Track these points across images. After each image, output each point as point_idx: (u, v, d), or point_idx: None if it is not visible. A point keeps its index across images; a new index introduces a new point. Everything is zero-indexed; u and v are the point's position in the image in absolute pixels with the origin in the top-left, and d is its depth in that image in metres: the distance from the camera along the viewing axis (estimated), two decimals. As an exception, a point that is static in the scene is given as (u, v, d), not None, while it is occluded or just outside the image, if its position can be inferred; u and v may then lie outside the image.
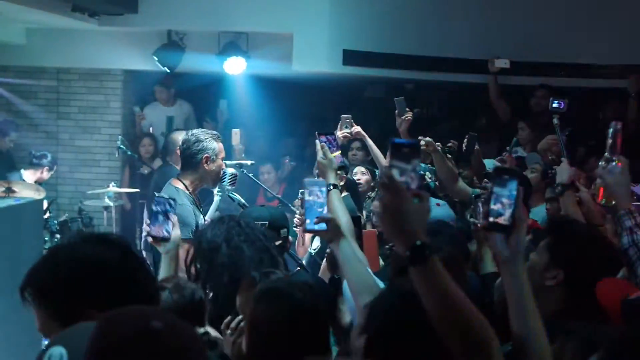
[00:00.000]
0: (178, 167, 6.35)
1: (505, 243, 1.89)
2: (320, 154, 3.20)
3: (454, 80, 8.50)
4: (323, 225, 2.68)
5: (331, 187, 3.09)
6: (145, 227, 4.52)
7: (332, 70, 8.24)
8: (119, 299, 1.71)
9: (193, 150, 4.41)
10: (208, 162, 4.41)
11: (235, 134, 7.19)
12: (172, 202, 3.19)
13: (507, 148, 6.45)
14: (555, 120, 4.88)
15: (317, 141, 3.22)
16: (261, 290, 2.35)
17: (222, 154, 4.52)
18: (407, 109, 5.58)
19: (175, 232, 3.18)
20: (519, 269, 1.90)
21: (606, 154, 2.89)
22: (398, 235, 1.74)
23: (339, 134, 5.25)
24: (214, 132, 4.67)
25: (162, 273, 3.15)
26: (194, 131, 4.57)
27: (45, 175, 7.56)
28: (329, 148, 3.19)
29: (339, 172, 3.26)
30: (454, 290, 1.73)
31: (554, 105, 4.86)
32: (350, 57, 8.11)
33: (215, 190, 4.81)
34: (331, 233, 2.70)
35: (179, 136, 6.53)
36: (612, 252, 2.65)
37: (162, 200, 3.19)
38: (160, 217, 3.16)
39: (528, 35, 8.01)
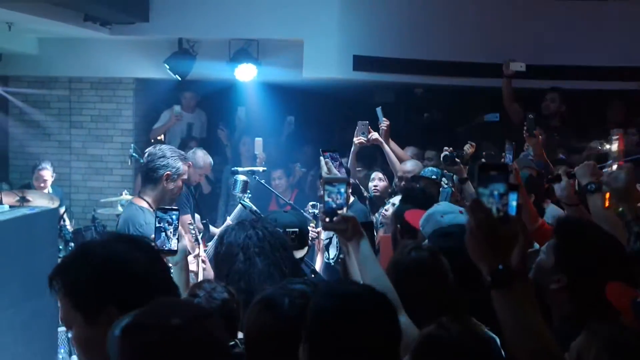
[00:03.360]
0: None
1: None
2: (324, 170, 3.26)
3: (463, 85, 8.51)
4: (342, 224, 2.64)
5: None
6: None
7: (342, 76, 8.26)
8: (142, 300, 1.74)
9: (156, 164, 4.31)
10: (168, 180, 4.30)
11: (258, 143, 7.24)
12: (175, 214, 3.17)
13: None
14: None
15: (322, 158, 3.28)
16: (255, 300, 2.32)
17: (185, 176, 4.41)
18: (384, 118, 5.65)
19: (182, 244, 3.16)
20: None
21: (609, 160, 2.89)
22: (482, 260, 1.74)
23: (356, 140, 5.30)
24: (182, 152, 4.59)
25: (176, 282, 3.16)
26: (162, 146, 4.49)
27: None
28: (333, 164, 3.25)
29: None
30: (534, 317, 1.72)
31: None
32: (360, 62, 8.12)
33: (239, 198, 4.82)
34: (351, 232, 2.66)
35: (202, 158, 6.53)
36: (621, 259, 2.55)
37: (163, 214, 3.17)
38: (164, 231, 3.14)
39: (539, 38, 8.02)
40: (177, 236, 3.09)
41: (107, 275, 1.91)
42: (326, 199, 2.66)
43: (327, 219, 2.64)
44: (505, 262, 1.72)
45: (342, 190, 2.68)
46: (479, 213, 1.72)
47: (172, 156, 4.35)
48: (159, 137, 9.36)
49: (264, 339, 2.19)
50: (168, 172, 4.29)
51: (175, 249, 3.08)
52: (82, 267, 1.94)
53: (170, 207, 3.20)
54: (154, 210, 4.11)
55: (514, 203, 1.82)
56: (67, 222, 7.67)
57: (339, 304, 1.94)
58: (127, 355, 1.59)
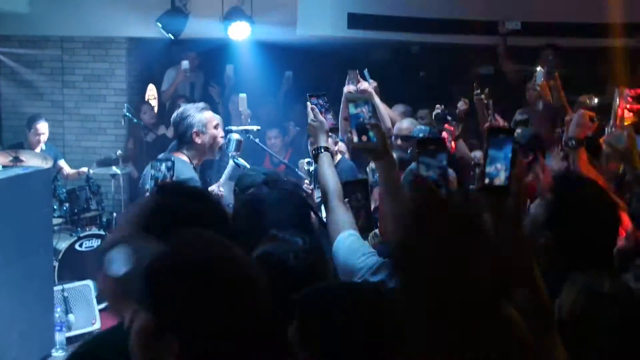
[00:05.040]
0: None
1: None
2: (311, 116, 3.07)
3: (460, 42, 8.44)
4: (371, 143, 2.54)
5: (322, 150, 2.98)
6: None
7: (336, 34, 8.18)
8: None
9: (182, 127, 4.44)
10: (199, 136, 4.42)
11: (242, 99, 7.15)
12: (169, 162, 3.18)
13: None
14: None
15: (308, 103, 3.14)
16: (257, 255, 2.25)
17: (213, 122, 4.49)
18: (371, 79, 5.57)
19: None
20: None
21: (611, 121, 2.89)
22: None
23: (345, 89, 5.22)
24: (200, 104, 4.66)
25: None
26: (182, 107, 4.60)
27: None
28: (320, 110, 3.10)
29: (330, 134, 3.17)
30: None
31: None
32: (355, 20, 8.05)
33: (230, 155, 4.82)
34: (380, 149, 2.55)
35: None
36: (614, 220, 2.48)
37: (160, 162, 3.17)
38: (161, 178, 3.15)
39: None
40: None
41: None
42: (353, 112, 2.55)
43: (356, 138, 2.52)
44: None
45: (369, 105, 2.58)
46: (421, 187, 1.72)
47: (189, 114, 4.45)
48: (153, 98, 9.32)
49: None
50: (195, 130, 4.40)
51: None
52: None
53: (163, 157, 3.22)
54: (193, 167, 4.37)
55: (510, 153, 1.83)
56: (68, 170, 7.66)
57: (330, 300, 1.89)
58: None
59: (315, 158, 3.01)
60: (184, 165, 4.27)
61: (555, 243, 2.41)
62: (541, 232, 2.47)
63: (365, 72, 5.62)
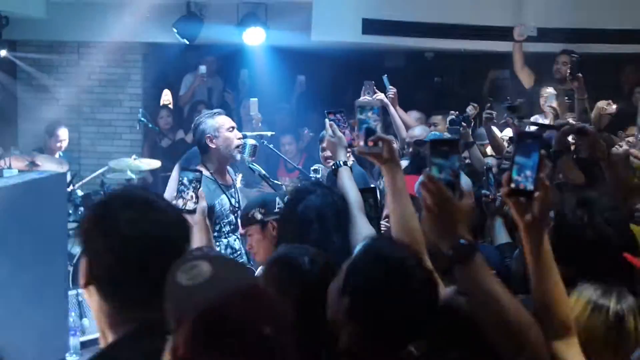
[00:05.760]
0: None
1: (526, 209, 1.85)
2: (329, 132, 3.14)
3: (475, 48, 8.42)
4: (377, 148, 2.53)
5: (341, 164, 3.04)
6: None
7: (351, 40, 8.18)
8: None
9: (197, 136, 4.54)
10: (212, 141, 4.48)
11: (253, 103, 7.17)
12: (198, 174, 3.23)
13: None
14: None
15: (327, 120, 3.20)
16: (270, 260, 2.27)
17: (226, 126, 4.52)
18: (391, 86, 5.57)
19: (201, 204, 3.21)
20: (539, 235, 1.86)
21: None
22: (442, 236, 1.74)
23: (361, 100, 5.22)
24: (213, 110, 4.73)
25: (196, 244, 3.17)
26: (196, 118, 4.67)
27: None
28: (338, 125, 3.15)
29: (348, 149, 3.22)
30: (498, 287, 1.72)
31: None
32: (369, 25, 8.04)
33: (247, 162, 4.84)
34: (387, 154, 2.53)
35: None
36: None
37: (187, 174, 3.24)
38: (185, 191, 3.20)
39: (550, 0, 7.90)
40: (196, 197, 3.16)
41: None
42: (360, 117, 2.56)
43: (363, 142, 2.52)
44: (465, 235, 1.71)
45: (377, 111, 2.59)
46: (433, 189, 1.71)
47: (201, 121, 4.53)
48: (168, 103, 9.34)
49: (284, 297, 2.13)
50: (208, 136, 4.47)
51: (193, 209, 3.14)
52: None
53: (192, 169, 3.26)
54: (211, 174, 4.43)
55: (537, 157, 1.84)
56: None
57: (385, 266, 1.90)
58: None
59: (335, 172, 3.06)
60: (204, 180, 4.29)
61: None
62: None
63: (385, 78, 5.62)
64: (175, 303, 1.43)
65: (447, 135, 5.58)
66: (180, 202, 3.17)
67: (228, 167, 4.68)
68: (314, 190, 2.87)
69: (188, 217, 3.08)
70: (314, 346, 1.96)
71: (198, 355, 1.35)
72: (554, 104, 6.32)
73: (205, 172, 4.36)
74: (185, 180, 3.22)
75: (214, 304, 1.38)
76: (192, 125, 4.66)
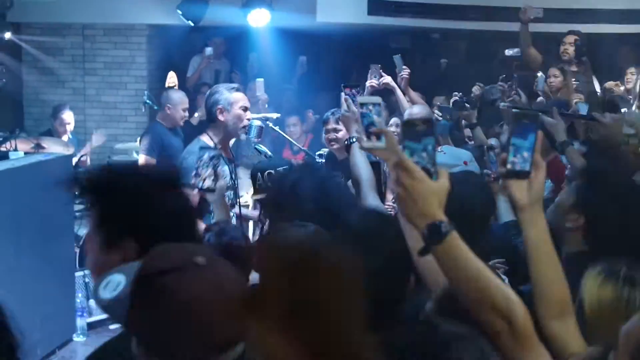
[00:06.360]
0: (165, 124, 6.50)
1: (523, 189, 1.87)
2: (344, 107, 3.09)
3: (481, 29, 8.37)
4: (379, 142, 2.47)
5: (354, 140, 3.00)
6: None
7: (356, 21, 8.14)
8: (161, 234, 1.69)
9: (208, 104, 4.43)
10: (222, 113, 4.37)
11: (259, 83, 7.14)
12: (213, 153, 3.24)
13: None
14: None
15: (342, 94, 3.15)
16: (267, 240, 2.26)
17: (240, 104, 4.42)
18: (404, 66, 5.48)
19: (220, 183, 3.23)
20: (538, 216, 1.88)
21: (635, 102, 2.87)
22: (415, 217, 1.73)
23: (368, 83, 5.19)
24: (233, 84, 4.66)
25: (216, 217, 3.23)
26: (215, 86, 4.59)
27: None
28: (353, 102, 3.10)
29: None
30: (476, 264, 1.71)
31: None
32: (375, 6, 8.01)
33: (253, 143, 4.83)
34: (388, 151, 2.48)
35: (174, 94, 6.60)
36: None
37: (207, 151, 3.25)
38: (204, 168, 3.22)
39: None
40: (215, 175, 3.18)
41: (125, 207, 1.85)
42: (361, 110, 2.54)
43: (365, 138, 2.49)
44: (437, 216, 1.70)
45: (379, 107, 2.57)
46: (405, 170, 1.70)
47: (218, 91, 4.44)
48: (173, 85, 9.31)
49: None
50: (219, 107, 4.37)
51: (213, 187, 3.16)
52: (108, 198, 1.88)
53: (210, 147, 3.25)
54: (215, 145, 4.29)
55: (533, 138, 1.84)
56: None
57: None
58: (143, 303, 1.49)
59: (348, 148, 3.03)
60: (197, 143, 4.30)
61: (584, 225, 2.46)
62: (567, 215, 2.50)
63: (398, 57, 5.53)
64: None
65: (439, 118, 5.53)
66: (198, 181, 3.17)
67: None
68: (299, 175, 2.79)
69: (208, 195, 3.12)
70: None
71: None
72: (546, 88, 6.32)
73: (209, 142, 4.35)
74: (205, 157, 3.21)
75: None
76: (208, 92, 4.55)
